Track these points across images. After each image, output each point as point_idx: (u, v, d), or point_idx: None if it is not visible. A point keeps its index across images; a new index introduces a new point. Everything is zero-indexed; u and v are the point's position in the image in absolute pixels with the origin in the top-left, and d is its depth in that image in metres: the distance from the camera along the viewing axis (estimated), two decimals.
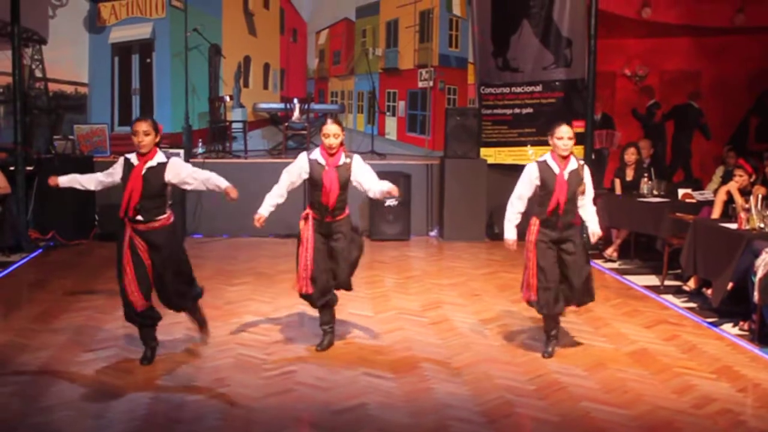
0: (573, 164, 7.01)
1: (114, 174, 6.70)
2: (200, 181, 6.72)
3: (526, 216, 7.21)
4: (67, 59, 13.75)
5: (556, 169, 6.97)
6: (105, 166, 7.08)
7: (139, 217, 6.50)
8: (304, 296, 7.14)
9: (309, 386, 6.38)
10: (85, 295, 9.00)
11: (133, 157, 6.59)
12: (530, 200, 7.18)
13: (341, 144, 7.04)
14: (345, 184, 7.04)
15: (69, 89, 13.81)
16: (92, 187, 6.95)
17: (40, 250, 11.34)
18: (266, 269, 10.44)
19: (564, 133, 6.96)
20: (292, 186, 7.11)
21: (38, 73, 13.64)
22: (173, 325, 7.70)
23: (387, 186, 6.96)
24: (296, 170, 7.04)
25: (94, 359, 6.88)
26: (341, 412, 5.89)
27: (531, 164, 7.16)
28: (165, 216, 6.62)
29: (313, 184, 7.04)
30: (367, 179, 7.10)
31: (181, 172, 6.64)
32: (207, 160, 12.92)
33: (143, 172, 6.50)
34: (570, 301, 7.17)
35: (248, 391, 6.24)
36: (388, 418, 5.80)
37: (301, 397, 6.18)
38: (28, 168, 11.64)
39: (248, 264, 10.78)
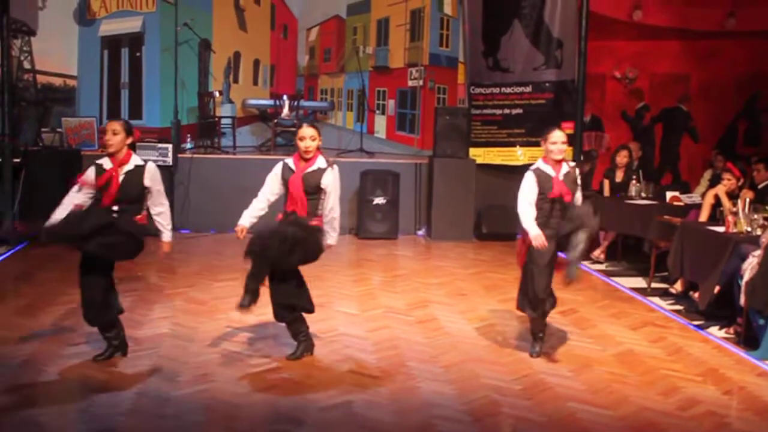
0: (565, 167, 7.00)
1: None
2: (158, 203, 6.63)
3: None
4: (56, 51, 13.68)
5: (552, 173, 6.95)
6: (93, 159, 7.01)
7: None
8: None
9: (294, 383, 6.36)
10: (70, 288, 8.91)
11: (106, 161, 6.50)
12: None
13: (318, 149, 6.77)
14: (313, 190, 6.68)
15: (57, 81, 13.73)
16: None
17: (26, 243, 11.27)
18: None
19: (558, 137, 6.94)
20: (273, 193, 6.87)
21: (27, 65, 13.56)
22: (159, 320, 7.69)
23: (334, 226, 6.81)
24: (273, 176, 6.85)
25: (79, 353, 6.84)
26: (326, 410, 5.87)
27: (528, 173, 7.03)
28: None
29: (285, 190, 6.84)
30: (326, 198, 6.74)
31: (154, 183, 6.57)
32: (195, 155, 12.88)
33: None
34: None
35: (233, 387, 6.22)
36: (374, 416, 5.79)
37: (286, 393, 6.16)
38: (15, 160, 11.56)
39: (235, 260, 10.63)
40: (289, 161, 6.81)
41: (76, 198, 6.54)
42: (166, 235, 6.73)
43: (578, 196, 7.13)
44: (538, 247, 6.78)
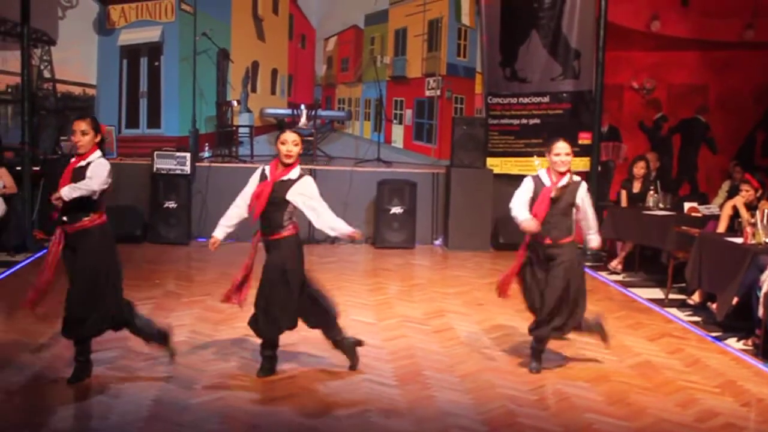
0: (565, 180, 6.90)
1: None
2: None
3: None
4: (76, 60, 13.77)
5: (547, 183, 6.91)
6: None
7: (64, 218, 6.31)
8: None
9: (311, 391, 6.38)
10: None
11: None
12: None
13: (298, 156, 6.54)
14: (277, 201, 6.45)
15: (77, 90, 13.82)
16: None
17: (45, 251, 11.31)
18: None
19: (561, 149, 6.88)
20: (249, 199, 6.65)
21: (47, 74, 13.67)
22: (176, 328, 7.71)
23: (343, 228, 6.49)
24: (251, 181, 6.65)
25: (97, 360, 6.84)
26: (343, 418, 5.88)
27: (527, 178, 7.08)
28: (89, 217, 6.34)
29: None
30: (307, 207, 6.49)
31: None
32: (213, 164, 12.93)
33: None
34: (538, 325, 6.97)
35: (250, 396, 6.24)
36: (390, 426, 5.79)
37: (304, 402, 6.17)
38: (35, 168, 11.68)
39: (252, 268, 10.72)
40: (266, 167, 6.61)
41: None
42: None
43: (586, 212, 7.03)
44: (529, 230, 6.82)
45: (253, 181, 6.62)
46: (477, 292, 9.95)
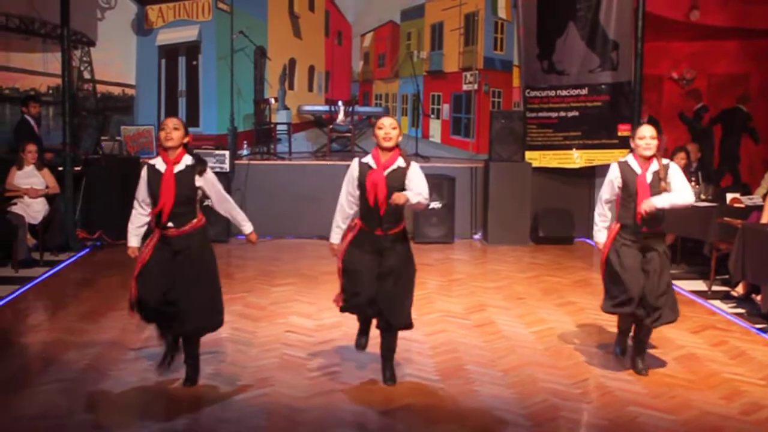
0: (655, 166, 6.62)
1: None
2: None
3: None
4: (115, 61, 13.90)
5: (638, 170, 6.65)
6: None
7: (170, 224, 6.20)
8: None
9: (353, 387, 6.39)
10: None
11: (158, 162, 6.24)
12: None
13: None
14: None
15: (116, 91, 13.95)
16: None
17: (88, 250, 11.46)
18: (309, 271, 10.45)
19: (646, 132, 6.60)
20: (353, 196, 6.39)
21: (86, 75, 13.80)
22: None
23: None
24: (351, 177, 6.35)
25: (140, 357, 6.94)
26: (386, 414, 5.89)
27: (613, 164, 6.82)
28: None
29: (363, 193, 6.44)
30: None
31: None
32: (252, 162, 12.98)
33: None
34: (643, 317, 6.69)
35: (293, 392, 6.26)
36: (434, 420, 5.79)
37: (346, 398, 6.19)
38: (76, 168, 11.80)
39: (291, 265, 10.81)
40: (368, 158, 6.33)
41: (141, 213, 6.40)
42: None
43: (678, 188, 6.57)
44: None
45: (353, 175, 6.34)
46: (517, 286, 9.92)
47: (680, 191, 6.57)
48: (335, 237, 6.47)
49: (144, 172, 6.23)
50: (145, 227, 6.34)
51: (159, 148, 6.27)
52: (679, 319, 8.18)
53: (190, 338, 6.35)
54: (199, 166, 6.20)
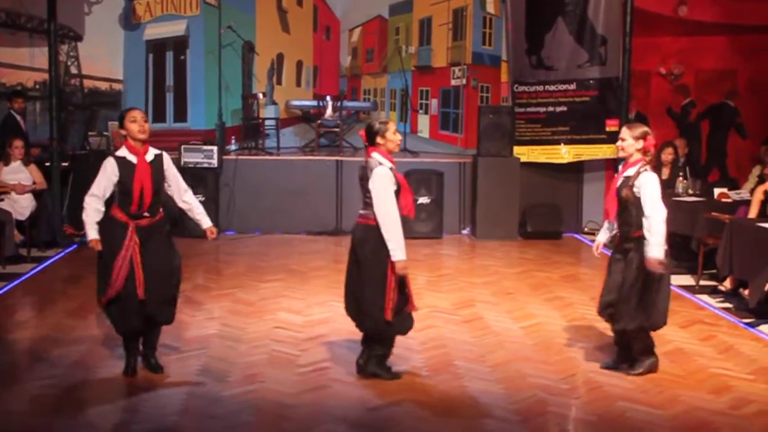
0: (630, 171, 6.44)
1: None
2: None
3: None
4: (102, 56, 13.84)
5: (618, 175, 6.63)
6: None
7: (146, 213, 6.35)
8: None
9: (343, 383, 6.38)
10: None
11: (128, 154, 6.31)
12: None
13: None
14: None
15: (104, 86, 13.89)
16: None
17: (75, 246, 11.42)
18: (298, 266, 10.44)
19: (621, 133, 6.51)
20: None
21: (74, 70, 13.74)
22: (207, 321, 7.76)
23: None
24: (385, 178, 6.41)
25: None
26: (376, 410, 5.89)
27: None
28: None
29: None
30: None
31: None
32: (240, 157, 12.95)
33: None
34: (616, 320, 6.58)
35: (282, 388, 6.25)
36: (423, 416, 5.79)
37: (335, 393, 6.18)
38: (63, 164, 11.75)
39: (280, 261, 10.79)
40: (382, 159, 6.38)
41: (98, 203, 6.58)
42: None
43: (647, 213, 6.40)
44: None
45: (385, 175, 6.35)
46: (506, 281, 9.93)
47: (649, 218, 6.37)
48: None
49: (110, 164, 6.28)
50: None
51: (125, 140, 6.34)
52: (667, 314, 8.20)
53: (158, 328, 6.53)
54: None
